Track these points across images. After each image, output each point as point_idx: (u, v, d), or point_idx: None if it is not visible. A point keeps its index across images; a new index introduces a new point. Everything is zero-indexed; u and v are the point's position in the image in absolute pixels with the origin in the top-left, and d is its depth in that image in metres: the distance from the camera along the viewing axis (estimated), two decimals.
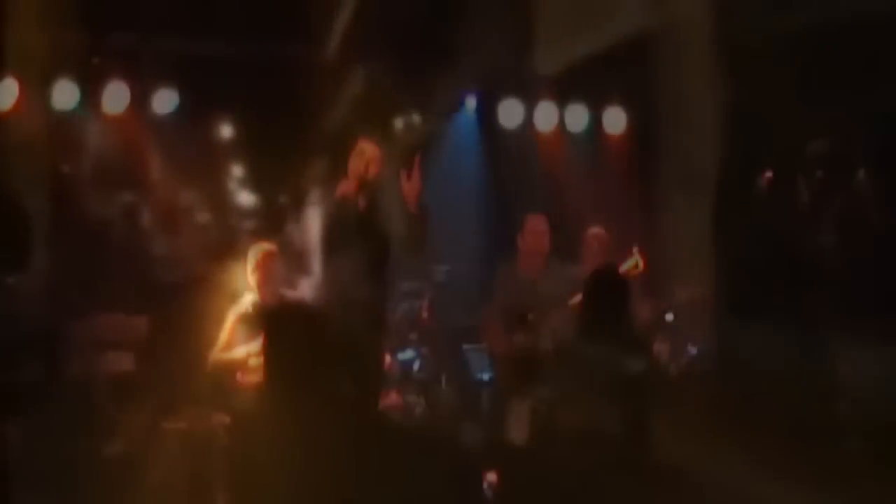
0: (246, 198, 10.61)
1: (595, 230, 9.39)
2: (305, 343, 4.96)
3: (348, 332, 7.07)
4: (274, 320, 5.21)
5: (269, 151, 10.26)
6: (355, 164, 7.60)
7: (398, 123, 10.57)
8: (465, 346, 9.81)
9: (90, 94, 9.62)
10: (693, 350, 9.26)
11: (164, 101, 10.01)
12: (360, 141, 7.67)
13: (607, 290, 6.51)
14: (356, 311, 7.45)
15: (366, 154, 7.60)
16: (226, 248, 8.89)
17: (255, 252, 8.24)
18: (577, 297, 8.15)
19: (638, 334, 6.86)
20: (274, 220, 9.35)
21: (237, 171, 10.60)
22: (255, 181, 10.62)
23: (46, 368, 8.12)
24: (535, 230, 9.11)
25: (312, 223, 7.66)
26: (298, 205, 7.87)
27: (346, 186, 7.57)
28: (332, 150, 8.14)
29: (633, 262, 8.96)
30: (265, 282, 8.21)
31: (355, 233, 7.59)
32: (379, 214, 7.70)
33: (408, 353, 9.99)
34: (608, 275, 6.85)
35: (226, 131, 10.43)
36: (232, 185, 10.55)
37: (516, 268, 9.18)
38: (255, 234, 9.29)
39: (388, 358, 9.26)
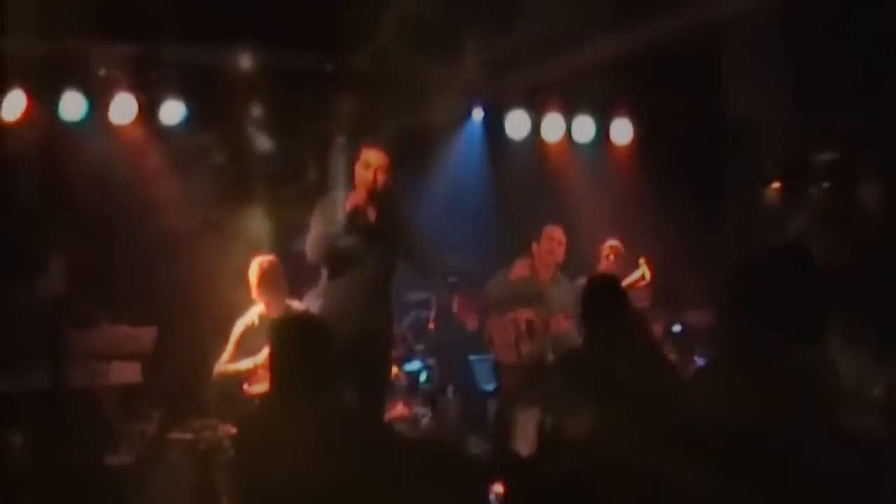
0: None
1: (611, 242, 9.46)
2: (310, 354, 4.93)
3: (355, 344, 7.15)
4: (279, 331, 5.18)
5: (279, 160, 10.31)
6: (362, 174, 7.53)
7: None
8: (472, 357, 9.79)
9: (97, 106, 9.60)
10: (700, 361, 9.25)
11: (172, 112, 9.97)
12: (365, 149, 7.59)
13: (602, 297, 6.52)
14: (363, 322, 7.47)
15: (372, 163, 7.52)
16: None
17: (258, 264, 8.22)
18: None
19: (642, 342, 6.78)
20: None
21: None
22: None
23: (52, 378, 8.04)
24: (553, 239, 9.24)
25: (320, 235, 7.56)
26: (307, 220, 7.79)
27: (355, 198, 7.48)
28: (338, 159, 8.06)
29: (640, 273, 9.18)
30: (269, 293, 8.19)
31: (365, 246, 7.59)
32: (389, 226, 7.65)
33: (414, 364, 9.98)
34: (603, 283, 6.87)
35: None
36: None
37: (524, 274, 9.27)
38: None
39: (394, 369, 9.25)
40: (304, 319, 6.07)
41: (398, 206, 7.82)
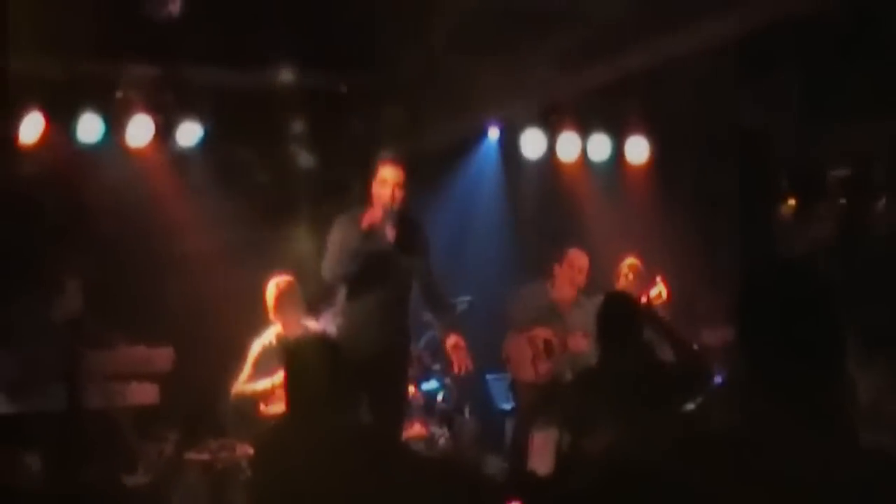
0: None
1: (629, 260, 9.46)
2: (327, 375, 4.90)
3: (373, 364, 7.17)
4: (295, 352, 5.17)
5: (295, 180, 10.33)
6: (380, 192, 7.46)
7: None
8: (489, 376, 9.78)
9: (114, 127, 9.59)
10: (718, 378, 9.19)
11: (188, 133, 9.97)
12: (382, 165, 7.52)
13: (618, 315, 6.52)
14: (381, 342, 7.45)
15: (389, 179, 7.45)
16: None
17: (275, 284, 8.23)
18: None
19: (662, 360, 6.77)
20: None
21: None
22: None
23: (69, 398, 8.01)
24: (574, 266, 9.23)
25: (337, 254, 7.54)
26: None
27: (372, 216, 7.41)
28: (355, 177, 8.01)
29: (657, 292, 9.10)
30: (286, 314, 8.20)
31: (384, 265, 7.55)
32: (407, 245, 7.63)
33: (431, 384, 9.97)
34: (619, 301, 6.87)
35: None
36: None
37: (544, 292, 9.25)
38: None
39: (412, 388, 9.25)
40: (319, 340, 6.04)
41: (417, 226, 7.82)
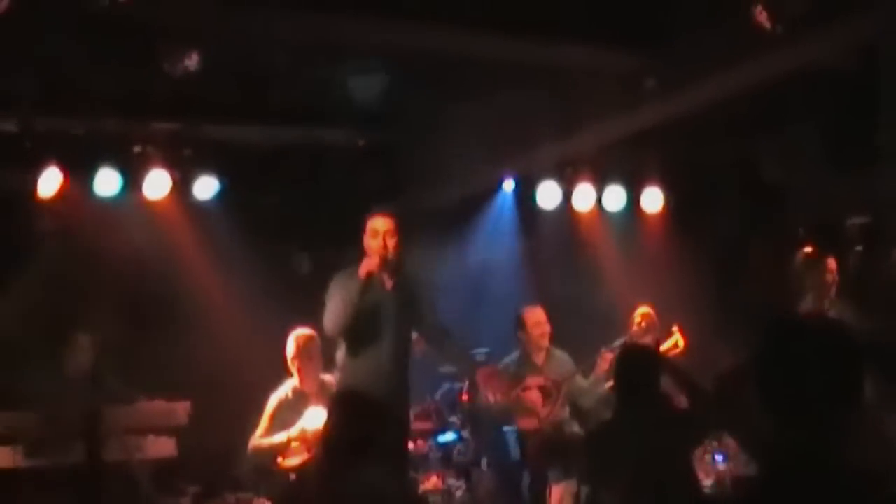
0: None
1: (642, 309, 9.40)
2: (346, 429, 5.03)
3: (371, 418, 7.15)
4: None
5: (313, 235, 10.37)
6: (372, 243, 7.51)
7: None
8: (505, 428, 9.76)
9: (131, 181, 9.65)
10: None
11: (205, 187, 10.02)
12: (371, 219, 7.59)
13: (633, 368, 6.54)
14: (384, 395, 7.29)
15: (380, 229, 7.51)
16: None
17: (296, 337, 8.23)
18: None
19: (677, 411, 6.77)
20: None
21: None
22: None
23: (88, 452, 8.01)
24: (530, 321, 9.45)
25: (338, 307, 7.55)
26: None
27: (369, 265, 7.44)
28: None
29: (672, 342, 9.12)
30: (305, 367, 8.20)
31: (383, 314, 7.59)
32: (405, 293, 7.68)
33: (448, 436, 9.93)
34: (634, 353, 6.91)
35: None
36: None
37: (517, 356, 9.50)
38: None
39: (423, 442, 9.42)
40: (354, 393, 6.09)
41: (412, 273, 7.89)
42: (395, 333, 7.65)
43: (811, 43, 7.68)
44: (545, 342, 9.50)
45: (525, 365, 9.51)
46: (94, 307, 9.11)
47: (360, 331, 7.55)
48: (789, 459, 2.88)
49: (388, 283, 7.61)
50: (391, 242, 7.49)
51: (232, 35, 8.03)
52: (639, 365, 6.57)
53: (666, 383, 6.75)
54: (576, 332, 9.97)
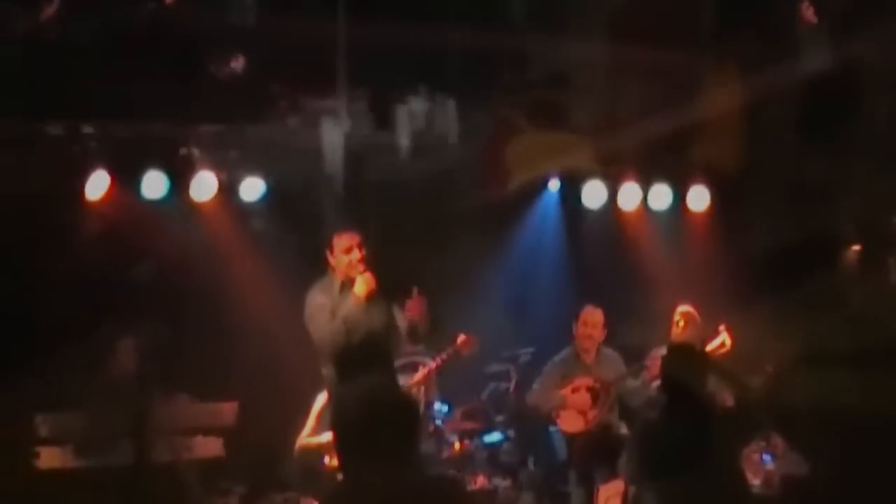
0: None
1: (683, 308, 9.31)
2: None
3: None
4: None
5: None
6: (347, 259, 7.71)
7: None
8: (552, 428, 9.75)
9: (178, 184, 9.68)
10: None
11: (251, 188, 10.05)
12: (338, 238, 7.78)
13: (681, 369, 6.53)
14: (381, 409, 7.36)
15: (353, 243, 7.72)
16: None
17: None
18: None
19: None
20: None
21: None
22: None
23: (136, 453, 8.13)
24: (588, 321, 9.52)
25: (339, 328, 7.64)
26: None
27: (370, 283, 7.64)
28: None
29: (719, 341, 9.01)
30: None
31: (381, 326, 7.82)
32: (379, 299, 7.83)
33: (494, 436, 9.93)
34: (679, 352, 6.92)
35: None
36: None
37: (569, 353, 9.58)
38: None
39: (469, 442, 9.47)
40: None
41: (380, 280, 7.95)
42: (386, 340, 7.88)
43: (857, 39, 7.63)
44: (591, 344, 9.54)
45: (575, 365, 9.55)
46: (140, 309, 9.13)
47: (359, 346, 7.67)
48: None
49: (364, 293, 7.72)
50: (361, 254, 7.71)
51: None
52: (685, 365, 6.56)
53: (713, 382, 6.72)
54: (624, 333, 10.00)
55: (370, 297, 7.65)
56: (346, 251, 7.69)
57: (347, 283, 7.73)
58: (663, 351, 8.60)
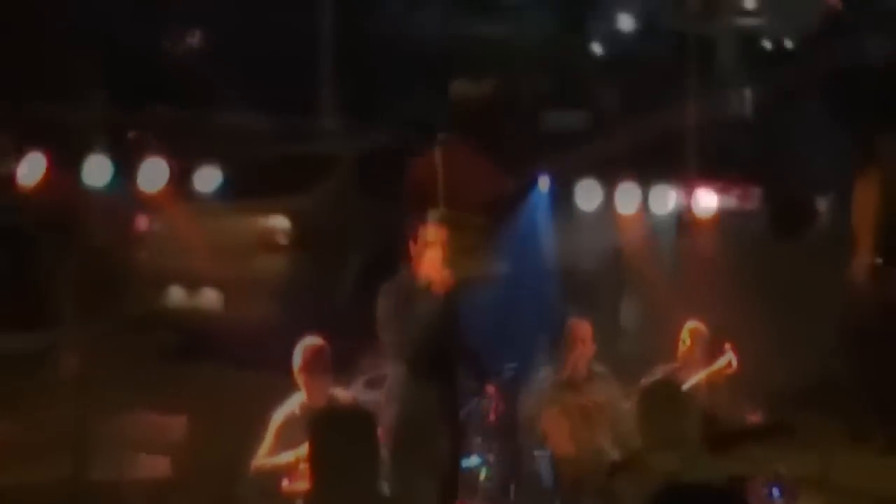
0: None
1: (690, 324, 9.08)
2: (356, 450, 4.69)
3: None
4: (321, 424, 4.90)
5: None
6: (430, 254, 7.58)
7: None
8: (537, 452, 9.25)
9: (125, 170, 9.37)
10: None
11: (207, 179, 9.80)
12: (426, 226, 7.68)
13: (654, 408, 6.33)
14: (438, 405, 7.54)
15: (438, 240, 7.60)
16: None
17: (303, 348, 7.73)
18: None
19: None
20: None
21: None
22: None
23: (74, 468, 7.93)
24: (577, 335, 9.03)
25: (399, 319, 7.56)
26: None
27: (444, 278, 7.55)
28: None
29: (725, 361, 8.81)
30: (313, 381, 7.66)
31: (449, 323, 7.71)
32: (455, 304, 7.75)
33: (472, 460, 9.31)
34: (654, 394, 6.68)
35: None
36: None
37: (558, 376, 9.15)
38: None
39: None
40: (349, 411, 5.93)
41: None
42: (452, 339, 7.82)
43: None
44: (587, 359, 9.00)
45: (563, 383, 9.00)
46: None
47: (421, 347, 7.58)
48: None
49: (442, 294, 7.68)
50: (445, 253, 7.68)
51: None
52: (659, 406, 6.31)
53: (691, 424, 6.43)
54: (620, 349, 9.93)
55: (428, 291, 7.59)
56: (430, 245, 7.62)
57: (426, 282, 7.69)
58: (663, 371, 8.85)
